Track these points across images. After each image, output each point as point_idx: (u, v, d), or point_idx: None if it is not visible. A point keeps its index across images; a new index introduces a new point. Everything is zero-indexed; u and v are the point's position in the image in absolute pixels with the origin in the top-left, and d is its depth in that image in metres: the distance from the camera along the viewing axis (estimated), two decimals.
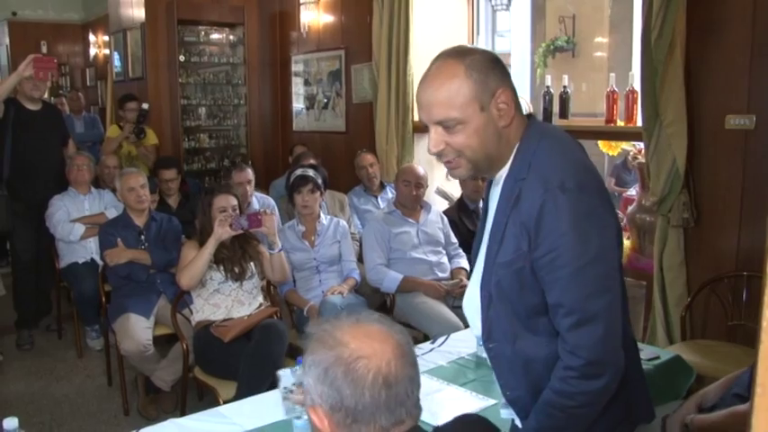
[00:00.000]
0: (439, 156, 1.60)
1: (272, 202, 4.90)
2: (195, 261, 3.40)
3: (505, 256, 1.55)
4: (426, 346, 2.94)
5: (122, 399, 3.97)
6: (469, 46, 1.46)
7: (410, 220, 4.13)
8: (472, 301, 1.69)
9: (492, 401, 2.36)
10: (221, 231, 3.36)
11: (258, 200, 5.01)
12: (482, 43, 5.72)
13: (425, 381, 2.51)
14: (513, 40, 11.51)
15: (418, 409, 1.25)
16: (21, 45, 10.00)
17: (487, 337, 1.64)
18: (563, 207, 1.45)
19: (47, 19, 10.25)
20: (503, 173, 1.60)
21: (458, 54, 1.55)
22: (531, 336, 1.58)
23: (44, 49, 10.19)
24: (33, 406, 4.04)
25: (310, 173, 4.09)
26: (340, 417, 1.19)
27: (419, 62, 5.20)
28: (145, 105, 5.96)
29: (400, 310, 3.94)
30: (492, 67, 1.53)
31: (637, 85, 3.71)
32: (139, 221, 4.20)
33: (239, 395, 2.97)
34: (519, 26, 11.39)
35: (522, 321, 1.58)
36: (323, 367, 1.20)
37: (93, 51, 9.98)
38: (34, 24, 10.17)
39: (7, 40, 10.23)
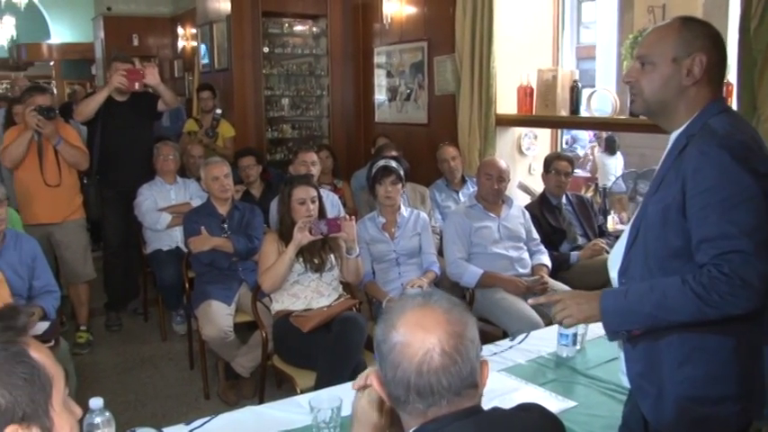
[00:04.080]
0: (629, 87, 1.82)
1: (336, 199, 4.88)
2: (277, 266, 3.41)
3: (658, 195, 1.71)
4: (505, 343, 2.88)
5: (203, 383, 4.06)
6: (702, 19, 1.76)
7: (491, 214, 4.05)
8: (620, 245, 1.87)
9: (572, 403, 2.28)
10: (300, 237, 3.36)
11: (325, 197, 4.95)
12: (567, 35, 5.56)
13: (503, 379, 2.47)
14: (598, 31, 11.21)
15: (462, 396, 1.26)
16: (114, 38, 10.37)
17: (623, 273, 1.81)
18: (722, 157, 1.58)
19: (138, 13, 10.58)
20: (679, 130, 1.75)
21: (688, 17, 1.77)
22: (663, 278, 1.68)
23: (135, 42, 10.53)
24: (120, 385, 4.17)
25: (393, 164, 4.07)
26: (386, 390, 1.31)
27: (503, 54, 5.12)
28: (218, 110, 6.11)
29: (480, 305, 3.88)
30: (705, 36, 1.72)
31: (732, 77, 3.52)
32: (223, 210, 4.27)
33: (318, 386, 2.97)
34: (605, 17, 11.09)
35: (658, 261, 1.71)
36: (378, 342, 1.31)
37: (181, 44, 10.22)
38: (127, 18, 10.51)
39: (102, 34, 10.62)
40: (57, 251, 4.67)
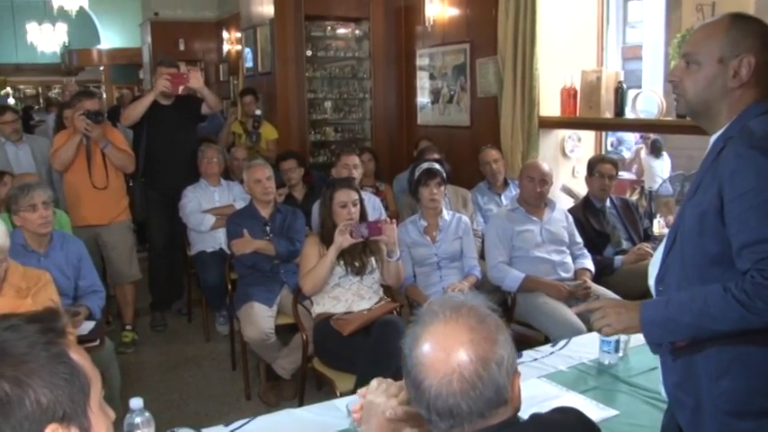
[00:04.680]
0: (672, 86, 1.76)
1: (377, 202, 4.88)
2: (318, 269, 3.42)
3: (695, 200, 1.66)
4: (546, 349, 2.84)
5: (245, 384, 4.09)
6: (755, 16, 1.68)
7: (533, 217, 4.01)
8: (659, 252, 1.83)
9: (614, 412, 2.24)
10: (341, 240, 3.37)
11: (367, 200, 4.97)
12: (612, 35, 5.48)
13: (543, 385, 2.44)
14: (645, 30, 11.02)
15: (489, 416, 1.24)
16: (161, 43, 10.58)
17: (660, 280, 1.76)
18: (757, 158, 1.52)
19: (184, 18, 10.77)
20: (719, 133, 1.69)
21: (737, 14, 1.69)
22: (702, 286, 1.62)
23: (181, 47, 10.72)
24: (163, 384, 4.24)
25: (436, 166, 4.05)
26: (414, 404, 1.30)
27: (546, 55, 5.06)
28: (258, 112, 6.17)
29: (521, 309, 3.84)
30: (755, 36, 1.64)
31: None
32: (265, 213, 4.31)
33: (357, 389, 2.97)
34: (652, 16, 10.89)
35: (695, 269, 1.65)
36: (403, 353, 1.29)
37: (225, 48, 10.37)
38: (173, 23, 10.71)
39: (150, 39, 10.84)
40: (103, 252, 4.76)
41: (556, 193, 4.91)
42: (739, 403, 1.60)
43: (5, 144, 5.17)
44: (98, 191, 4.61)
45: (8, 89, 16.91)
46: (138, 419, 1.79)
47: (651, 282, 1.81)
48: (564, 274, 3.93)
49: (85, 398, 0.97)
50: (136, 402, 1.80)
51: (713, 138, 1.71)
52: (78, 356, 0.98)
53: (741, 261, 1.55)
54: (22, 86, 17.57)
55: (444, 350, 1.22)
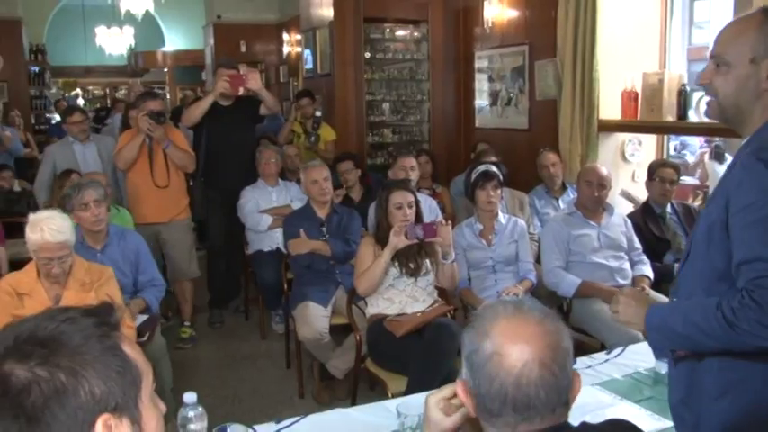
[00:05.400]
0: (704, 90, 1.66)
1: (434, 204, 4.86)
2: (372, 270, 3.43)
3: (706, 210, 1.61)
4: (601, 356, 2.78)
5: (298, 382, 4.13)
6: None
7: (591, 222, 3.94)
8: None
9: (668, 423, 2.17)
10: (396, 241, 3.37)
11: (424, 202, 4.95)
12: (677, 36, 5.35)
13: (596, 393, 2.39)
14: (712, 31, 10.74)
15: (556, 414, 1.23)
16: (223, 45, 10.77)
17: (675, 291, 1.74)
18: (760, 170, 1.44)
19: (246, 20, 10.94)
20: (747, 138, 1.60)
21: None
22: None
23: (243, 49, 10.90)
24: (219, 381, 4.31)
25: (493, 169, 4.03)
26: (475, 401, 1.27)
27: (606, 57, 4.98)
28: (318, 113, 6.23)
29: (577, 315, 3.78)
30: None
31: None
32: (322, 213, 4.35)
33: (409, 391, 2.97)
34: (719, 16, 10.60)
35: (704, 283, 1.57)
36: (468, 352, 1.27)
37: (286, 50, 10.50)
38: (235, 26, 10.90)
39: (212, 41, 11.05)
40: (163, 249, 4.88)
41: (615, 198, 4.82)
42: (739, 425, 1.51)
43: (73, 143, 5.35)
44: (159, 189, 4.72)
45: (78, 90, 17.47)
46: (191, 413, 1.83)
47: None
48: (621, 281, 3.85)
49: (137, 390, 0.99)
50: (189, 396, 1.84)
51: (742, 143, 1.61)
52: (131, 350, 1.01)
53: (740, 278, 1.46)
54: (90, 87, 18.12)
55: (520, 338, 1.22)
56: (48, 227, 2.86)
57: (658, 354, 1.75)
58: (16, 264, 3.70)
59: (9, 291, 2.97)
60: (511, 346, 1.21)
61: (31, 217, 2.94)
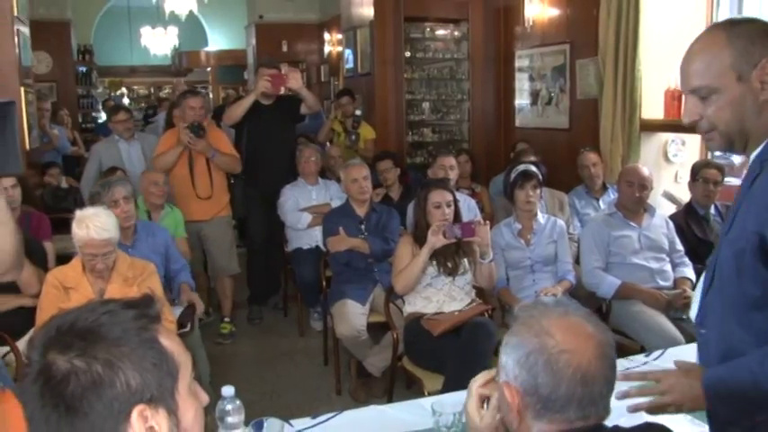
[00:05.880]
0: (696, 128, 1.53)
1: (473, 204, 4.85)
2: (410, 268, 3.44)
3: (731, 234, 1.46)
4: (640, 358, 2.74)
5: (335, 379, 4.16)
6: (746, 16, 1.40)
7: (632, 223, 3.89)
8: (699, 286, 1.65)
9: (707, 428, 2.14)
10: (434, 240, 3.37)
11: (463, 202, 4.93)
12: None
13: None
14: None
15: (606, 411, 1.24)
16: (265, 45, 10.89)
17: (700, 322, 1.58)
18: None
19: (287, 20, 11.03)
20: (755, 153, 1.48)
21: (726, 23, 1.47)
22: (741, 332, 1.44)
23: (284, 48, 10.99)
24: (258, 376, 4.36)
25: (533, 168, 4.01)
26: (531, 401, 1.24)
27: (649, 55, 4.91)
28: (358, 112, 6.26)
29: (616, 317, 3.74)
30: (762, 37, 1.41)
31: None
32: (361, 211, 4.37)
33: (445, 390, 2.98)
34: None
35: (736, 313, 1.45)
36: (525, 351, 1.24)
37: (327, 49, 10.57)
38: (277, 26, 11.00)
39: (254, 41, 11.17)
40: (204, 245, 4.96)
41: (657, 199, 4.75)
42: None
43: (119, 141, 5.46)
44: (202, 200, 4.82)
45: (123, 90, 17.81)
46: (228, 406, 1.86)
47: (692, 313, 1.67)
48: (662, 283, 3.80)
49: (173, 382, 1.02)
50: (227, 390, 1.87)
51: (750, 158, 1.49)
52: (169, 342, 1.04)
53: None
54: (135, 87, 18.47)
55: (583, 336, 1.23)
56: (93, 224, 2.93)
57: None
58: (63, 258, 3.79)
59: (56, 284, 3.06)
60: (578, 344, 1.22)
61: (78, 213, 3.02)
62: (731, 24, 1.45)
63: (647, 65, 4.91)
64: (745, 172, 1.51)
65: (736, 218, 1.47)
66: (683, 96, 1.50)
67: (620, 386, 1.32)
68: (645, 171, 3.94)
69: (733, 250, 1.44)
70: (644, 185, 3.87)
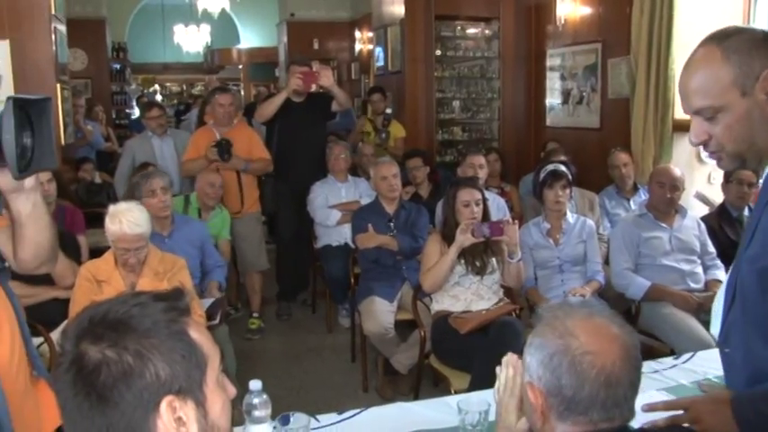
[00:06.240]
0: (703, 148, 1.47)
1: (502, 203, 4.83)
2: (439, 267, 3.44)
3: (752, 251, 1.42)
4: (669, 361, 2.71)
5: (363, 376, 4.17)
6: (736, 26, 1.30)
7: (663, 224, 3.85)
8: (719, 300, 1.59)
9: None
10: (462, 238, 3.37)
11: (492, 201, 4.90)
12: None
13: (661, 398, 2.31)
14: None
15: (631, 412, 1.24)
16: (296, 43, 10.94)
17: (724, 341, 1.53)
18: None
19: (319, 18, 11.08)
20: None
21: (718, 36, 1.39)
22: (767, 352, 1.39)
23: (316, 46, 11.03)
24: (285, 371, 4.40)
25: (562, 168, 3.98)
26: (555, 401, 1.24)
27: (682, 54, 4.84)
28: (388, 110, 6.27)
29: (645, 319, 3.70)
30: (759, 47, 1.35)
31: None
32: (390, 209, 4.38)
33: (472, 388, 2.97)
34: None
35: (762, 332, 1.40)
36: (548, 353, 1.25)
37: (358, 47, 10.59)
38: (308, 23, 11.05)
39: (285, 39, 11.23)
40: (234, 241, 4.99)
41: (689, 200, 4.69)
42: None
43: (152, 138, 5.53)
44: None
45: (156, 86, 18.02)
46: (255, 400, 1.88)
47: (714, 330, 1.61)
48: (693, 285, 3.75)
49: (202, 374, 1.04)
50: (255, 384, 1.89)
51: (765, 173, 1.47)
52: (198, 334, 1.06)
53: None
54: (168, 84, 18.67)
55: (608, 338, 1.23)
56: (126, 219, 2.99)
57: None
58: (95, 252, 3.86)
59: (89, 277, 3.12)
60: (602, 346, 1.22)
61: (111, 208, 3.08)
62: (723, 38, 1.39)
63: (680, 64, 4.82)
64: (760, 184, 1.48)
65: (755, 235, 1.43)
66: (692, 118, 1.44)
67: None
68: (677, 172, 3.89)
69: (756, 267, 1.40)
70: (675, 186, 3.82)
